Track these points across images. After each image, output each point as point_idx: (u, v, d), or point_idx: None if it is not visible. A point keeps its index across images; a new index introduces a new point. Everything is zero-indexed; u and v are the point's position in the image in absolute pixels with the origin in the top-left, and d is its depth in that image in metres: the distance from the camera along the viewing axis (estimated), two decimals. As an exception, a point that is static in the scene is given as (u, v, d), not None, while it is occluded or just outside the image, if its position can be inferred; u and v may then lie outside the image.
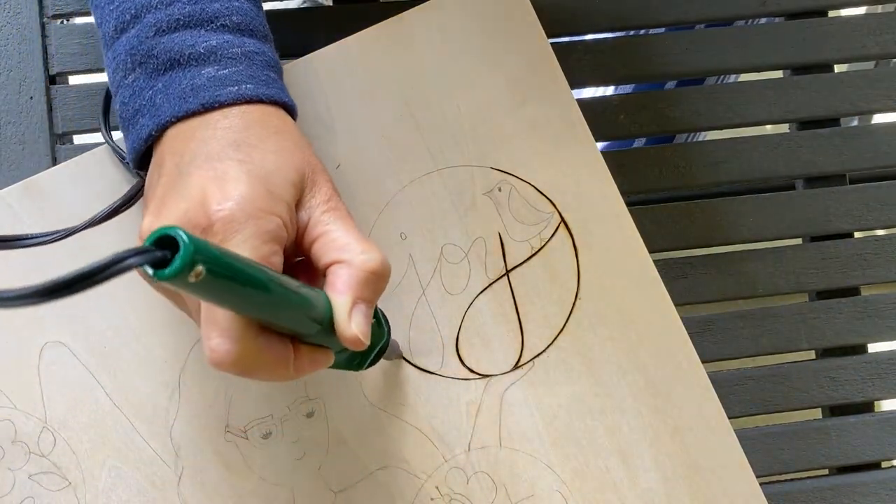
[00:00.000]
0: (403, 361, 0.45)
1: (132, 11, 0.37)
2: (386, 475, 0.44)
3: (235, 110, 0.35)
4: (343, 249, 0.34)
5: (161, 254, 0.24)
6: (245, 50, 0.37)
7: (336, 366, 0.37)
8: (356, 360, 0.39)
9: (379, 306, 0.41)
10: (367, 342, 0.34)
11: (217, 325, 0.31)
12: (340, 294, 0.33)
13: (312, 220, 0.35)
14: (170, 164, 0.35)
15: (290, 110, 0.38)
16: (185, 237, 0.24)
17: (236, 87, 0.36)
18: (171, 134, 0.36)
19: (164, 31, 0.36)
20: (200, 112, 0.35)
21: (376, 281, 0.34)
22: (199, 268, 0.25)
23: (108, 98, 0.48)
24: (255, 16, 0.39)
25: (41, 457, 0.44)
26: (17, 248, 0.41)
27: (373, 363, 0.41)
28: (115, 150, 0.45)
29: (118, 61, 0.37)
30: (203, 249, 0.25)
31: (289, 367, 0.33)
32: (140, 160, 0.38)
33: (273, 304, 0.30)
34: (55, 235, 0.41)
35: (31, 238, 0.41)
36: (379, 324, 0.40)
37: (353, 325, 0.33)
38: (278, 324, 0.32)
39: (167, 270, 0.24)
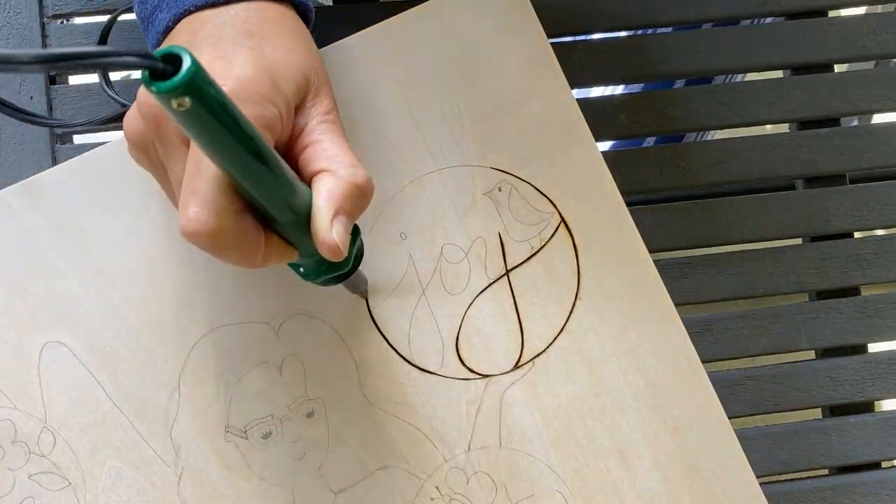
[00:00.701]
0: (365, 303, 0.45)
1: None
2: (386, 475, 0.44)
3: (254, 5, 0.36)
4: (332, 160, 0.35)
5: (163, 66, 0.24)
6: None
7: (304, 271, 0.37)
8: (321, 269, 0.38)
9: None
10: (345, 254, 0.34)
11: (197, 195, 0.31)
12: (324, 201, 0.33)
13: (308, 128, 0.36)
14: (182, 41, 0.35)
15: (307, 17, 0.39)
16: (190, 56, 0.24)
17: None
18: (187, 21, 0.36)
19: None
20: (219, 3, 0.36)
21: (360, 196, 0.34)
22: (194, 90, 0.24)
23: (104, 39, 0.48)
24: None
25: (41, 457, 0.44)
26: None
27: (335, 281, 0.40)
28: (114, 98, 0.44)
29: None
30: (205, 76, 0.25)
31: (258, 254, 0.33)
32: None
33: (258, 170, 0.30)
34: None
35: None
36: (352, 244, 0.39)
37: (333, 234, 0.33)
38: (257, 197, 0.31)
39: (166, 83, 0.24)
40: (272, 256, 0.34)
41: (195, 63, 0.24)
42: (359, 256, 0.41)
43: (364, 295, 0.44)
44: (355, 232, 0.38)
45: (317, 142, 0.35)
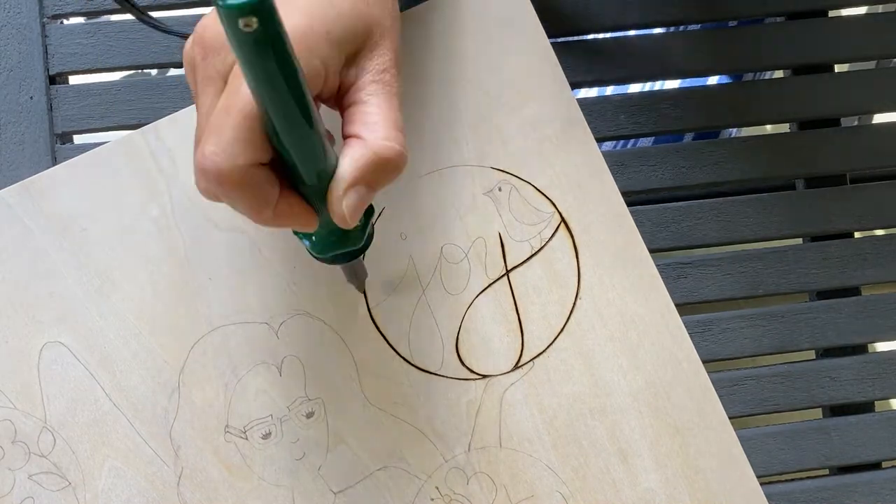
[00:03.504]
0: (363, 297, 0.44)
1: None
2: (386, 475, 0.44)
3: None
4: (368, 126, 0.33)
5: None
6: None
7: (313, 242, 0.36)
8: (329, 242, 0.37)
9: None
10: (353, 224, 0.33)
11: (219, 135, 0.30)
12: (346, 167, 0.33)
13: (357, 85, 0.34)
14: None
15: None
16: None
17: None
18: None
19: None
20: None
21: (386, 170, 0.33)
22: (264, 13, 0.25)
23: None
24: None
25: (41, 457, 0.44)
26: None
27: (340, 260, 0.39)
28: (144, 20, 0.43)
29: None
30: (275, 5, 0.25)
31: (267, 209, 0.32)
32: None
33: (297, 120, 0.30)
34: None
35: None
36: (363, 227, 0.38)
37: (344, 201, 0.32)
38: (287, 148, 0.31)
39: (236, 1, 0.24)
40: (286, 217, 0.33)
41: None
42: (368, 242, 0.39)
43: (360, 287, 0.44)
44: (370, 212, 0.37)
45: (361, 103, 0.34)
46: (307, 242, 0.37)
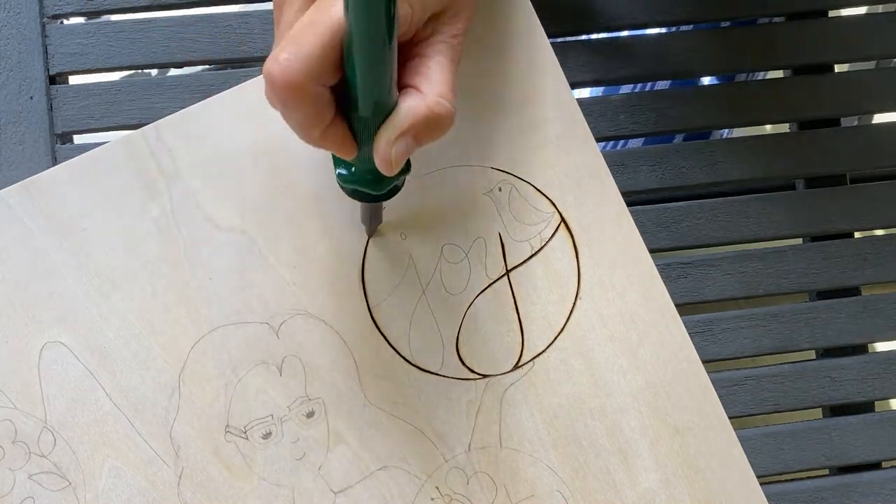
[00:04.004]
0: (370, 242, 0.44)
1: None
2: (386, 475, 0.44)
3: None
4: (429, 80, 0.35)
5: None
6: None
7: (343, 172, 0.37)
8: (361, 177, 0.38)
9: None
10: (395, 170, 0.34)
11: (298, 46, 0.31)
12: (402, 115, 0.34)
13: (429, 41, 0.36)
14: None
15: None
16: None
17: None
18: None
19: None
20: None
21: (435, 126, 0.35)
22: None
23: None
24: None
25: (41, 457, 0.44)
26: None
27: (362, 197, 0.39)
28: None
29: None
30: None
31: (318, 127, 0.33)
32: None
33: (378, 46, 0.31)
34: None
35: None
36: (401, 172, 0.38)
37: (393, 148, 0.34)
38: (358, 72, 0.32)
39: None
40: (330, 140, 0.34)
41: None
42: (393, 193, 0.40)
43: (370, 232, 0.44)
44: (407, 166, 0.38)
45: (427, 56, 0.35)
46: (342, 171, 0.38)
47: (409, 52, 0.36)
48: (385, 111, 0.34)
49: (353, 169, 0.38)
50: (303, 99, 0.32)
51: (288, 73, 0.31)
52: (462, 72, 0.46)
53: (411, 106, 0.34)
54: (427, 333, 0.45)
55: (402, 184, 0.40)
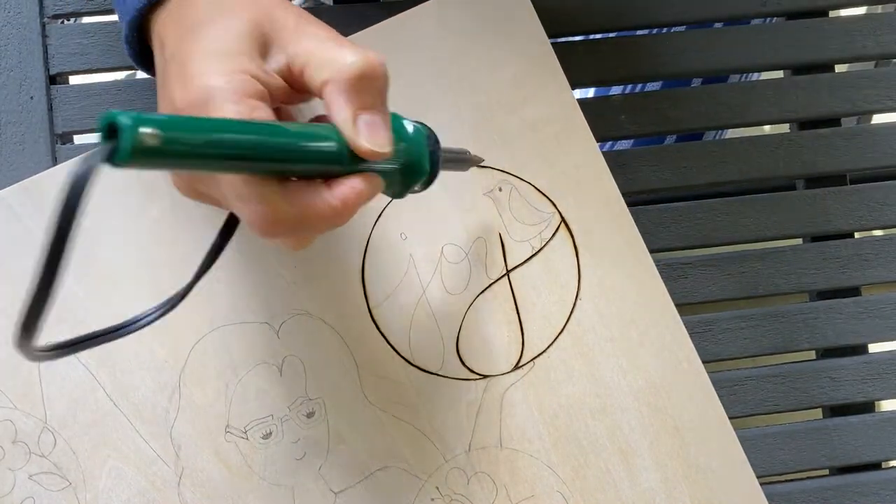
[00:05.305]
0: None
1: None
2: (386, 475, 0.44)
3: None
4: (324, 67, 0.32)
5: (110, 144, 0.23)
6: None
7: (393, 186, 0.35)
8: (407, 174, 0.35)
9: (409, 123, 0.36)
10: (388, 149, 0.32)
11: (239, 197, 0.31)
12: (339, 113, 0.32)
13: (290, 56, 0.33)
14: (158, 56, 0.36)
15: None
16: (120, 116, 0.23)
17: None
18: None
19: None
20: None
21: (368, 83, 0.32)
22: (152, 132, 0.24)
23: None
24: None
25: (41, 457, 0.44)
26: (126, 334, 0.36)
27: (431, 177, 0.36)
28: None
29: None
30: (148, 118, 0.24)
31: (331, 206, 0.31)
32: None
33: (271, 148, 0.29)
34: (158, 311, 0.36)
35: (139, 321, 0.36)
36: (411, 131, 0.35)
37: (361, 138, 0.31)
38: (297, 169, 0.30)
39: (119, 154, 0.23)
40: (350, 199, 0.32)
41: (127, 117, 0.23)
42: (434, 165, 0.36)
43: (476, 161, 0.42)
44: (419, 136, 0.35)
45: (305, 59, 0.33)
46: (389, 193, 0.35)
47: (302, 83, 0.34)
48: (339, 137, 0.32)
49: (389, 184, 0.35)
50: (295, 214, 0.31)
51: (263, 218, 0.31)
52: (462, 72, 0.47)
53: (335, 97, 0.32)
54: (427, 333, 0.45)
55: (423, 125, 0.37)
